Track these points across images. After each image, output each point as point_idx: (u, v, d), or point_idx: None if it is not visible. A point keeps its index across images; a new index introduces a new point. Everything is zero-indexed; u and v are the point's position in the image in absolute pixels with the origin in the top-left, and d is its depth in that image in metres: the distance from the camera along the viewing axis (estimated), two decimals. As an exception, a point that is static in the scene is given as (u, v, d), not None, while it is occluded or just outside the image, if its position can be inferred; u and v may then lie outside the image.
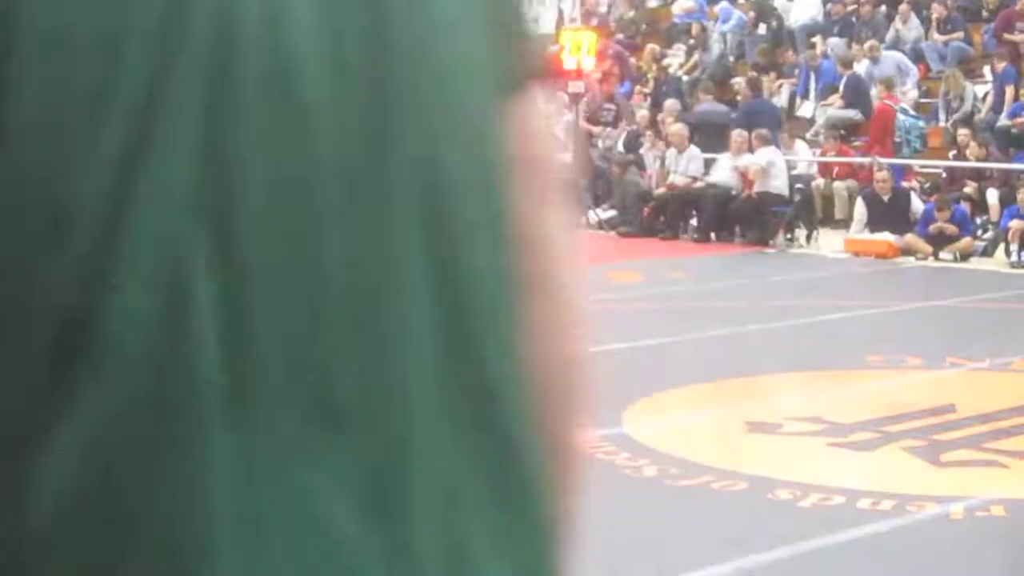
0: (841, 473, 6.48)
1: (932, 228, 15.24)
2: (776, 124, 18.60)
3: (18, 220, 0.77)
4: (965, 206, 16.02)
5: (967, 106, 18.60)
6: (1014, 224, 14.98)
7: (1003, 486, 6.26)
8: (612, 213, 18.89)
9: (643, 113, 20.73)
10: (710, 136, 18.58)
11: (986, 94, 18.97)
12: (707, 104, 19.89)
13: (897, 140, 18.12)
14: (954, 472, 6.53)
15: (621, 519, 5.85)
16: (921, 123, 18.53)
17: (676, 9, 24.64)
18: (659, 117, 19.94)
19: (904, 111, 18.67)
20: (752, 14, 23.21)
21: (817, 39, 21.95)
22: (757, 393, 8.39)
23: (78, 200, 0.76)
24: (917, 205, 16.16)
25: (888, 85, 18.90)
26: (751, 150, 17.29)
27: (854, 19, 21.91)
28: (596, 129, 20.44)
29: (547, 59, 1.05)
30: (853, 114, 19.90)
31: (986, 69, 19.81)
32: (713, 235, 17.42)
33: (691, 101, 20.79)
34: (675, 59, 23.39)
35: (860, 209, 16.45)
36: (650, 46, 23.28)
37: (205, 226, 0.77)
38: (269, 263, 0.78)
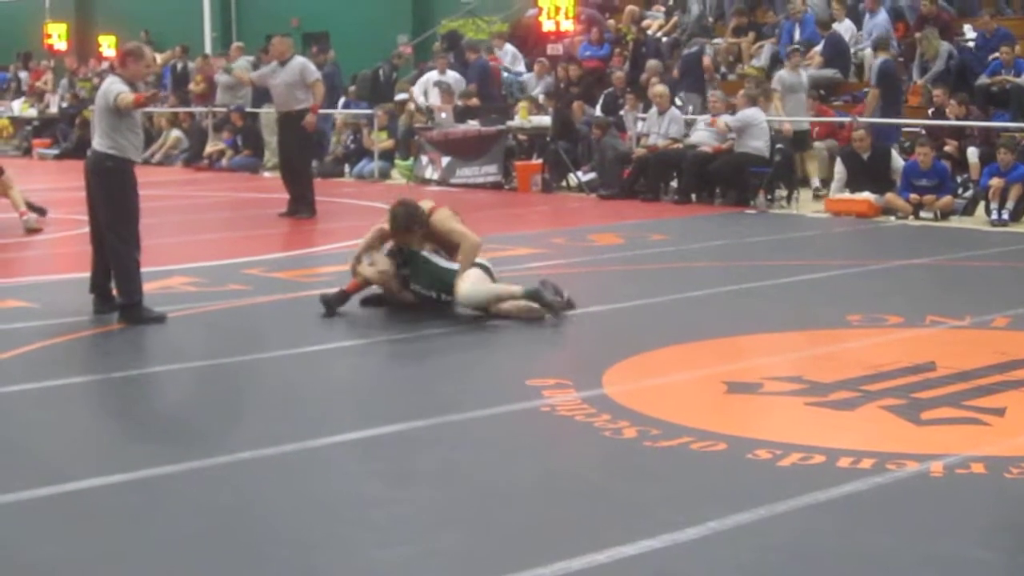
0: (821, 432, 6.46)
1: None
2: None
3: None
4: (946, 164, 15.99)
5: (939, 65, 18.51)
6: (994, 182, 14.97)
7: (983, 443, 6.25)
8: (592, 175, 18.83)
9: (619, 75, 20.71)
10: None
11: (960, 51, 18.89)
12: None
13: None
14: (934, 430, 6.51)
15: (601, 480, 5.83)
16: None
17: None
18: (641, 78, 19.85)
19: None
20: (731, -26, 23.09)
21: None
22: (737, 353, 8.37)
23: None
24: (898, 163, 16.14)
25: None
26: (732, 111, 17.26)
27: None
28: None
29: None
30: (833, 73, 19.83)
31: (966, 27, 19.75)
32: (693, 196, 17.38)
33: (671, 62, 20.75)
34: (655, 20, 23.31)
35: (839, 168, 16.43)
36: (629, 7, 23.18)
37: None
38: None
